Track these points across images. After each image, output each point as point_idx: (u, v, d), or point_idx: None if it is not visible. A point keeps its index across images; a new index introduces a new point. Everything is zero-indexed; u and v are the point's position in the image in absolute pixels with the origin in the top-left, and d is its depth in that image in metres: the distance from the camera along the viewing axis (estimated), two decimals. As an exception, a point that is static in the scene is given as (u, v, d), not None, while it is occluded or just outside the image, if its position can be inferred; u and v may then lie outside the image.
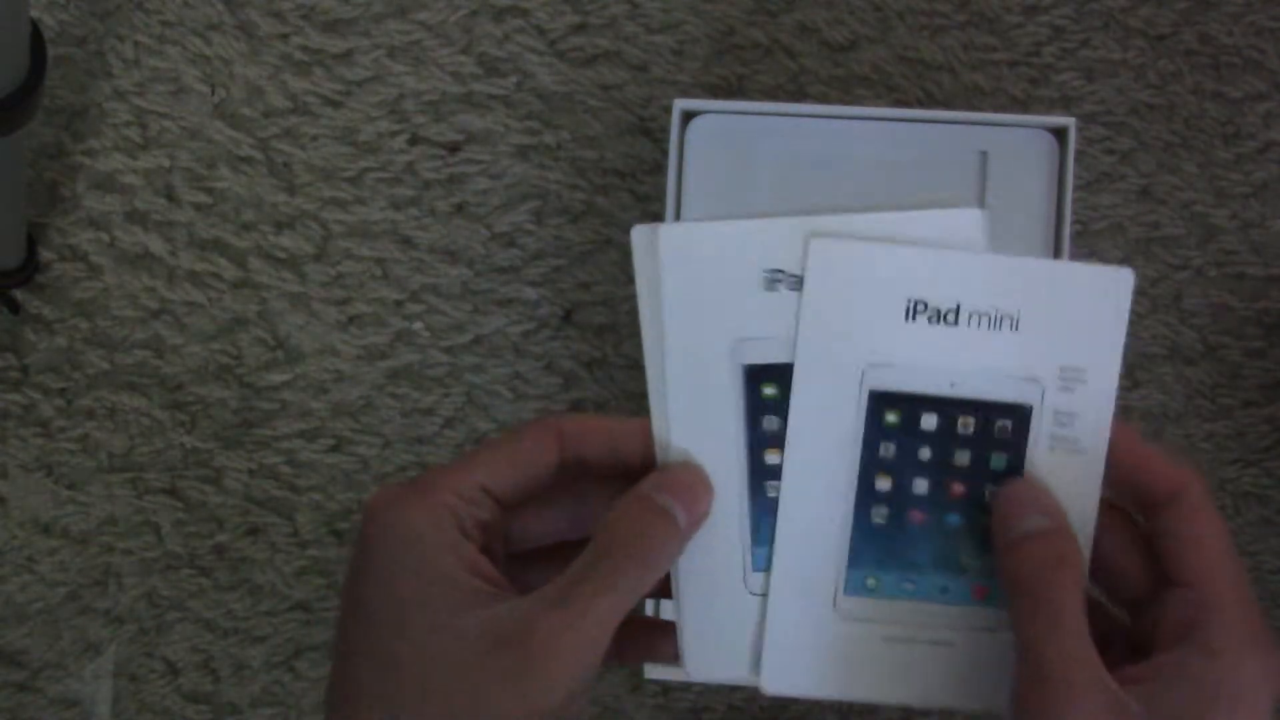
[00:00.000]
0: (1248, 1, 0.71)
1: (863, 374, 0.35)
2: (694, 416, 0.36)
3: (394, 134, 0.71)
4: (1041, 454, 0.35)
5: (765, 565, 0.36)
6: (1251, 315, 0.71)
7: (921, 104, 0.71)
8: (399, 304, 0.71)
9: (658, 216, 0.70)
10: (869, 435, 0.36)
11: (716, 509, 0.36)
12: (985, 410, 0.35)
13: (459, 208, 0.71)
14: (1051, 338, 0.35)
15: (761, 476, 0.36)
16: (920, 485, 0.36)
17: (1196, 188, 0.71)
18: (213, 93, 0.71)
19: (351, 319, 0.71)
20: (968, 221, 0.35)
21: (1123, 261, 0.70)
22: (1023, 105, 0.71)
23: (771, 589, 0.36)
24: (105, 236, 0.71)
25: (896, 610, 0.36)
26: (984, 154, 0.63)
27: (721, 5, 0.71)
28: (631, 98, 0.71)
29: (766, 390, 0.36)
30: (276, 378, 0.71)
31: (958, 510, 0.36)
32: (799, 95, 0.71)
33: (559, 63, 0.71)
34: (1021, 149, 0.63)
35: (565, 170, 0.71)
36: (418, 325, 0.71)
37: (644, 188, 0.71)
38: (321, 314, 0.71)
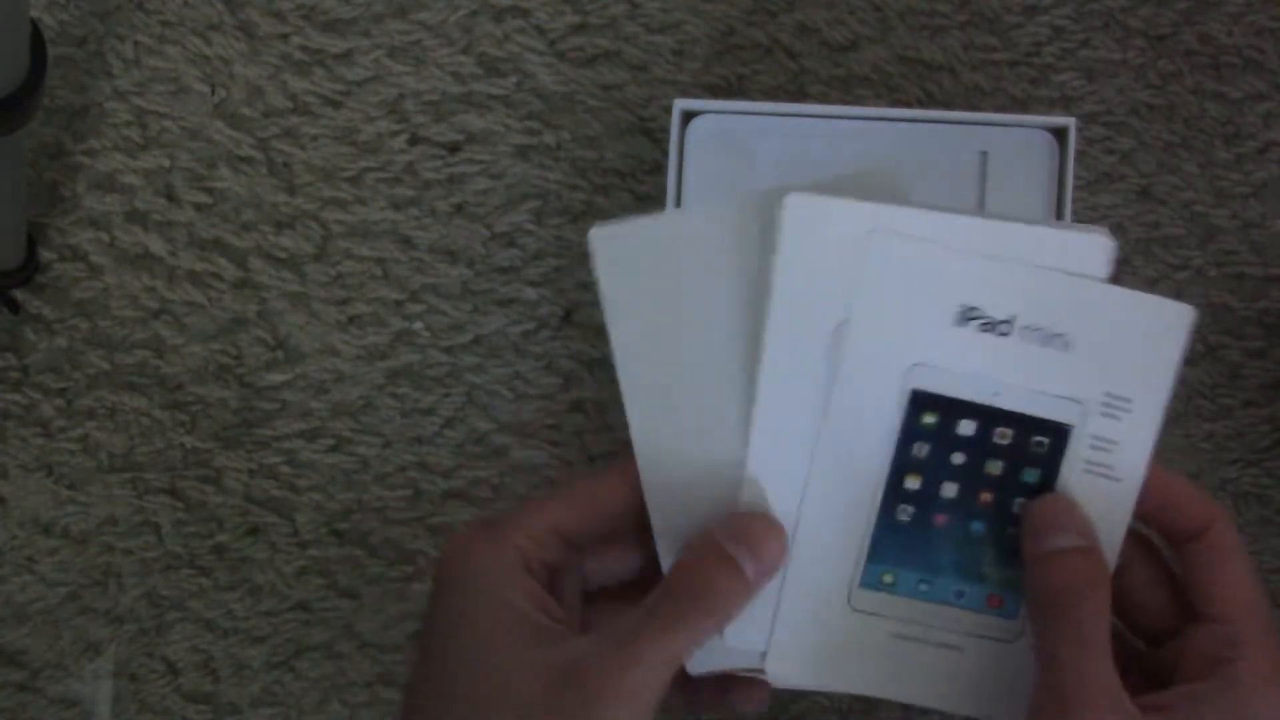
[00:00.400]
0: (1248, 1, 0.71)
1: (907, 372, 0.35)
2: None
3: (394, 134, 0.71)
4: (1075, 476, 0.35)
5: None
6: (1251, 315, 0.71)
7: (921, 104, 0.71)
8: (399, 304, 0.71)
9: (658, 216, 0.70)
10: (905, 434, 0.35)
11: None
12: (1024, 424, 0.35)
13: (459, 208, 0.71)
14: (1102, 362, 0.34)
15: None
16: (949, 489, 0.36)
17: (1196, 188, 0.71)
18: (213, 93, 0.71)
19: (351, 319, 0.71)
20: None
21: (1122, 262, 0.70)
22: (1023, 105, 0.71)
23: (787, 577, 0.36)
24: (105, 236, 0.71)
25: (909, 609, 0.36)
26: (984, 154, 0.63)
27: (721, 5, 0.71)
28: (631, 98, 0.71)
29: (927, 418, 0.35)
30: (276, 378, 0.71)
31: (982, 518, 0.36)
32: (799, 95, 0.71)
33: (559, 63, 0.71)
34: (1021, 149, 0.63)
35: (565, 170, 0.71)
36: (418, 325, 0.71)
37: (644, 188, 0.71)
38: (321, 314, 0.71)
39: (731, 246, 0.35)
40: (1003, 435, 0.35)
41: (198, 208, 0.71)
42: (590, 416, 0.71)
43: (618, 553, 0.38)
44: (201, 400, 0.71)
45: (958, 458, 0.35)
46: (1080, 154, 0.70)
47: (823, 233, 0.34)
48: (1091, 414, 0.35)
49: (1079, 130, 0.66)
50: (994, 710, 0.36)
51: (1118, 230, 0.71)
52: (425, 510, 0.71)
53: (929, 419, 0.35)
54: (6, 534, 0.71)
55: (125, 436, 0.71)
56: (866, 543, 0.36)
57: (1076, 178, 0.66)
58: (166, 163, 0.71)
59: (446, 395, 0.71)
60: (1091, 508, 0.35)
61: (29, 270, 0.70)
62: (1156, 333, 0.35)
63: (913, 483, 0.36)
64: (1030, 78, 0.71)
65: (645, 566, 0.38)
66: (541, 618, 0.34)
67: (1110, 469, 0.35)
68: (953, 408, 0.35)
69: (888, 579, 0.36)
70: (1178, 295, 0.70)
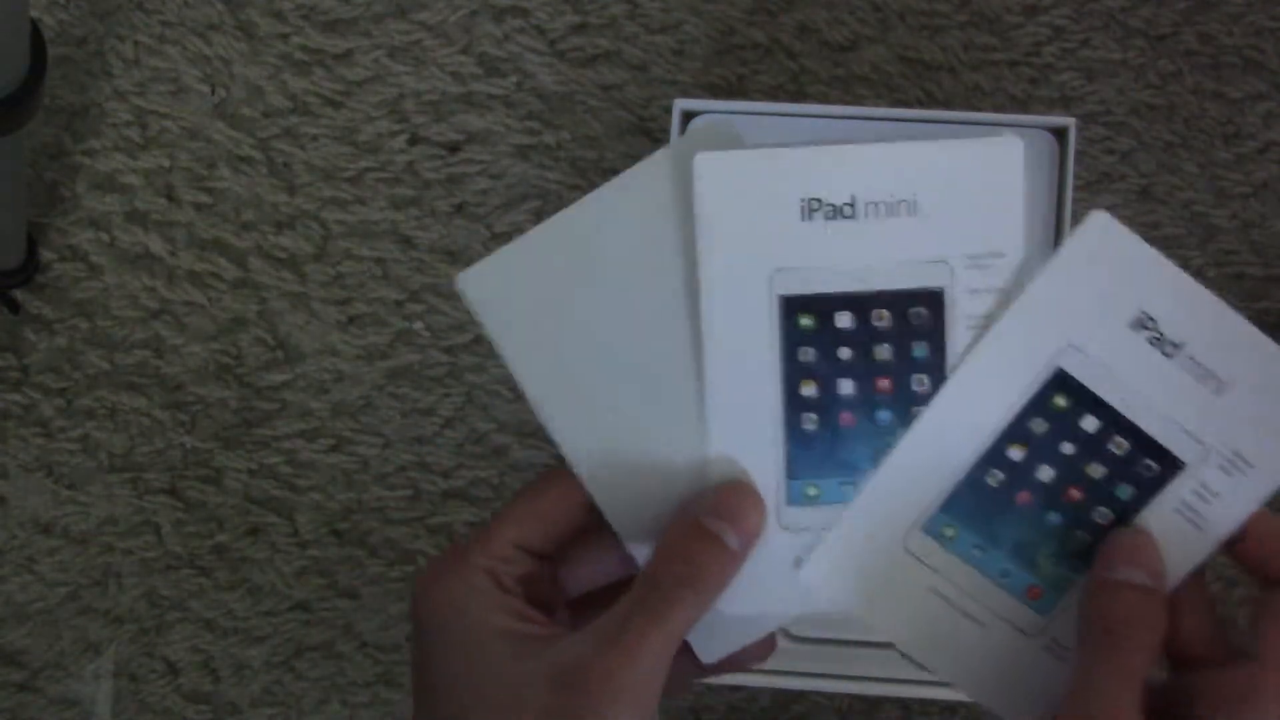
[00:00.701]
0: (1248, 1, 0.71)
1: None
2: (729, 349, 0.35)
3: (394, 134, 0.71)
4: (1166, 509, 0.35)
5: (800, 499, 0.36)
6: (1251, 315, 0.71)
7: (921, 104, 0.71)
8: (399, 304, 0.71)
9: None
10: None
11: (751, 444, 0.35)
12: (1141, 442, 0.35)
13: (459, 208, 0.71)
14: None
15: (797, 408, 0.35)
16: (1046, 472, 0.35)
17: (1196, 188, 0.71)
18: (213, 93, 0.71)
19: (351, 319, 0.71)
20: (1006, 153, 0.34)
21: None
22: (1023, 105, 0.71)
23: (859, 496, 0.35)
24: (105, 236, 0.71)
25: (954, 569, 0.36)
26: (984, 154, 0.63)
27: (721, 5, 0.71)
28: (631, 98, 0.71)
29: (803, 321, 0.35)
30: (276, 378, 0.71)
31: (1062, 511, 0.35)
32: (799, 95, 0.71)
33: (559, 63, 0.71)
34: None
35: (565, 170, 0.71)
36: (418, 325, 0.71)
37: (644, 188, 0.71)
38: (321, 314, 0.71)
39: (609, 240, 0.35)
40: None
41: (198, 208, 0.71)
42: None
43: (595, 555, 0.37)
44: (201, 400, 0.71)
45: (1069, 447, 0.35)
46: (1080, 154, 0.70)
47: (738, 187, 0.34)
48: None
49: (1079, 130, 0.66)
50: (988, 695, 0.36)
51: (1118, 230, 0.71)
52: (425, 510, 0.71)
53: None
54: (6, 534, 0.71)
55: (125, 436, 0.71)
56: (945, 494, 0.36)
57: (1076, 178, 0.66)
58: (166, 163, 0.71)
59: (446, 395, 0.71)
60: (1165, 548, 0.35)
61: (29, 270, 0.70)
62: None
63: (1017, 452, 0.35)
64: (1030, 78, 0.71)
65: (624, 565, 0.38)
66: (528, 627, 0.34)
67: (1198, 516, 0.35)
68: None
69: (949, 532, 0.35)
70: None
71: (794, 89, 0.71)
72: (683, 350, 0.36)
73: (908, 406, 0.35)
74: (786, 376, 0.35)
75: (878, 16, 0.71)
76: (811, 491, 0.36)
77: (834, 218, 0.34)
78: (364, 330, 0.71)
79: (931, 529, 0.36)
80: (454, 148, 0.71)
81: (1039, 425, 0.35)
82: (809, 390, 0.35)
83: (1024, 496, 0.35)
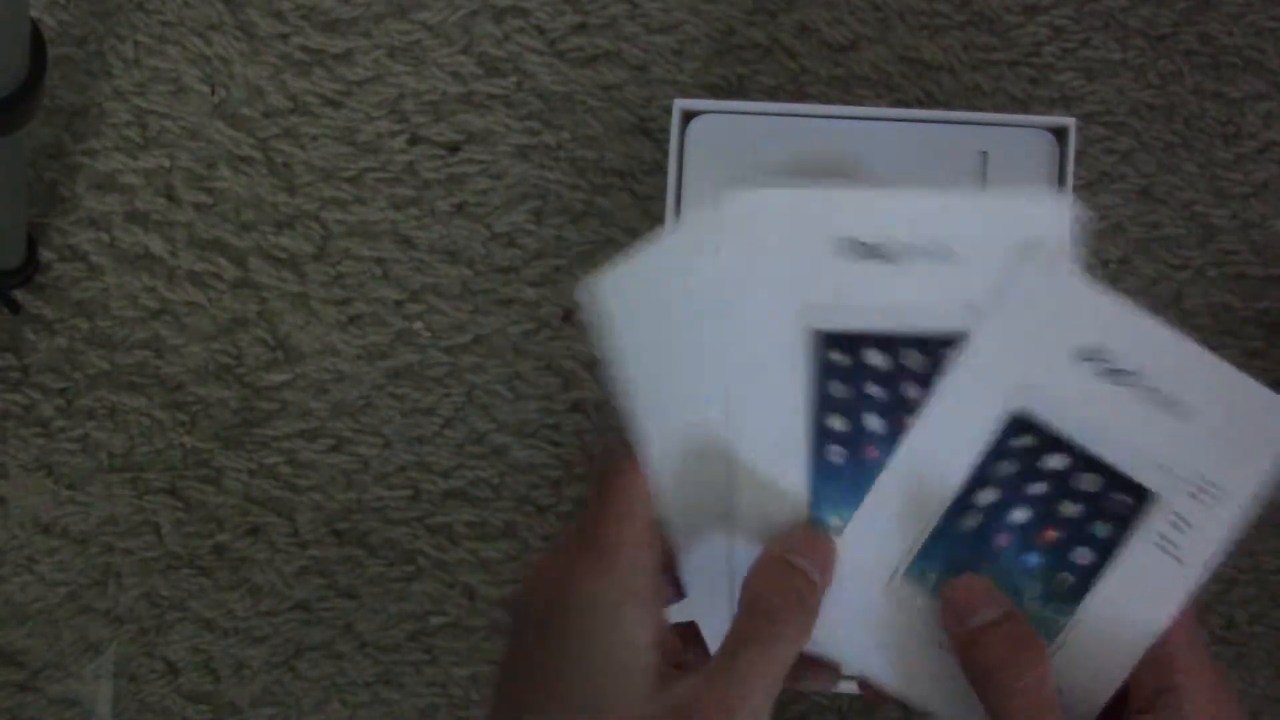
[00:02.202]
0: (1248, 1, 0.71)
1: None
2: (758, 379, 0.35)
3: (394, 134, 0.71)
4: (1144, 544, 0.35)
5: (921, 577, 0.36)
6: (1251, 315, 0.71)
7: (921, 104, 0.71)
8: (399, 304, 0.71)
9: (658, 217, 0.70)
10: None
11: (777, 472, 0.36)
12: (1112, 478, 0.35)
13: (459, 208, 0.71)
14: (1212, 445, 0.34)
15: (824, 440, 0.36)
16: (1020, 515, 0.35)
17: (1196, 188, 0.71)
18: (213, 93, 0.71)
19: (351, 319, 0.71)
20: (1052, 212, 0.34)
21: (1122, 261, 0.70)
22: (1023, 105, 0.71)
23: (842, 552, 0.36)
24: (105, 236, 0.71)
25: (932, 605, 0.36)
26: (984, 154, 0.63)
27: (721, 5, 0.71)
28: (631, 98, 0.71)
29: (834, 356, 0.35)
30: (276, 378, 0.71)
31: (1040, 553, 0.35)
32: (799, 95, 0.71)
33: (559, 63, 0.71)
34: (1021, 149, 0.63)
35: (565, 170, 0.71)
36: (418, 325, 0.71)
37: (644, 188, 0.71)
38: (321, 314, 0.71)
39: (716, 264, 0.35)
40: (1088, 482, 0.35)
41: (198, 208, 0.71)
42: (590, 416, 0.71)
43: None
44: (201, 400, 0.71)
45: (1038, 487, 0.35)
46: (1080, 154, 0.70)
47: (774, 222, 0.34)
48: (1181, 490, 0.34)
49: (1079, 130, 0.66)
50: (964, 715, 0.36)
51: (1118, 230, 0.71)
52: (425, 510, 0.71)
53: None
54: (6, 534, 0.71)
55: (125, 436, 0.71)
56: (923, 540, 0.36)
57: (1076, 178, 0.66)
58: (166, 163, 0.71)
59: (446, 395, 0.71)
60: (1147, 581, 0.35)
61: (29, 270, 0.70)
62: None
63: (989, 495, 0.36)
64: (1030, 78, 0.71)
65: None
66: (654, 655, 0.33)
67: (1177, 548, 0.35)
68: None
69: (931, 577, 0.36)
70: (1177, 295, 0.70)
71: (794, 89, 0.71)
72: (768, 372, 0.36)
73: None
74: (814, 409, 0.35)
75: (878, 16, 0.71)
76: (835, 522, 0.36)
77: (869, 258, 0.34)
78: (364, 330, 0.71)
79: (913, 574, 0.36)
80: (454, 148, 0.71)
81: (1006, 467, 0.35)
82: (837, 424, 0.36)
83: (1002, 540, 0.35)
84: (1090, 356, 0.34)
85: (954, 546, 0.36)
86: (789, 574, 0.35)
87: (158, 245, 0.71)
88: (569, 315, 0.71)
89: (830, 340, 0.35)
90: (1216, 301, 0.71)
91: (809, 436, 0.36)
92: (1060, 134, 0.63)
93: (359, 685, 0.71)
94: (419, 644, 0.71)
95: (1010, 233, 0.34)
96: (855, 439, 0.36)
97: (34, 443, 0.71)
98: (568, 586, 0.33)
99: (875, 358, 0.35)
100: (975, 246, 0.34)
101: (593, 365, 0.71)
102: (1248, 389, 0.34)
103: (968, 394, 0.35)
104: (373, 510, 0.71)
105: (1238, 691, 0.71)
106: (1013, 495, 0.35)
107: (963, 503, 0.35)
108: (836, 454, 0.36)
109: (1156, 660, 0.34)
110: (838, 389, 0.35)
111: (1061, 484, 0.35)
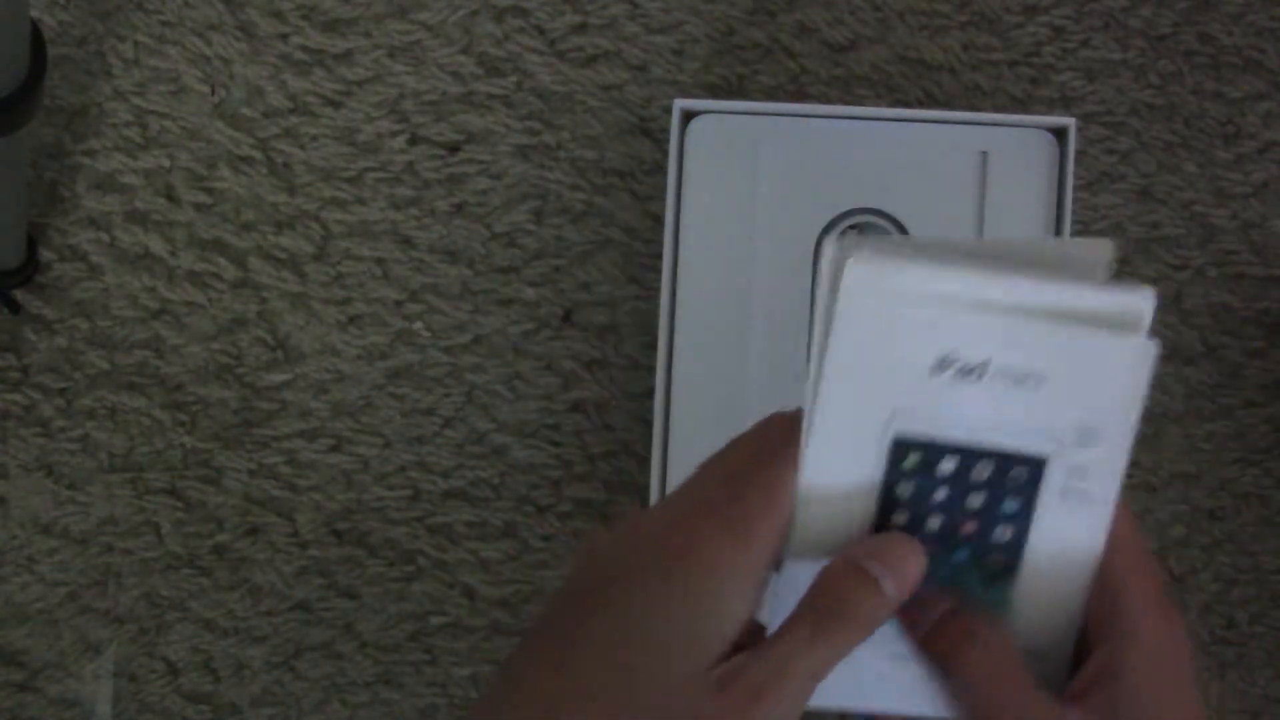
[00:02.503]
0: (1248, 1, 0.71)
1: (890, 417, 0.36)
2: (832, 460, 0.36)
3: (394, 134, 0.71)
4: (1053, 500, 0.36)
5: None
6: (1251, 315, 0.71)
7: (921, 104, 0.71)
8: (399, 304, 0.71)
9: (658, 217, 0.70)
10: (889, 475, 0.36)
11: (836, 553, 0.37)
12: (1002, 460, 0.36)
13: (459, 208, 0.71)
14: (1072, 398, 0.36)
15: (884, 531, 0.37)
16: (933, 523, 0.37)
17: (1196, 188, 0.71)
18: (213, 93, 0.71)
19: (351, 319, 0.71)
20: (1140, 353, 0.35)
21: (1122, 262, 0.70)
22: (1023, 105, 0.71)
23: (782, 582, 0.37)
24: (105, 236, 0.71)
25: (887, 627, 0.37)
26: (984, 154, 0.63)
27: (721, 5, 0.71)
28: (631, 98, 0.71)
29: (910, 460, 0.36)
30: (276, 378, 0.71)
31: (965, 546, 0.37)
32: (799, 95, 0.71)
33: (559, 63, 0.71)
34: (1021, 149, 0.63)
35: (565, 170, 0.71)
36: (418, 325, 0.71)
37: (644, 188, 0.71)
38: (321, 314, 0.71)
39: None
40: (981, 471, 0.36)
41: (198, 208, 0.71)
42: (590, 416, 0.71)
43: None
44: (201, 400, 0.71)
45: (940, 494, 0.37)
46: (1080, 154, 0.70)
47: (884, 318, 0.35)
48: (1066, 444, 0.36)
49: (1079, 130, 0.66)
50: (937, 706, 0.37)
51: (1118, 230, 0.71)
52: (425, 510, 0.71)
53: (911, 461, 0.36)
54: (6, 534, 0.71)
55: (125, 436, 0.71)
56: None
57: (1076, 178, 0.66)
58: (166, 163, 0.71)
59: (446, 395, 0.71)
60: (1068, 530, 0.37)
61: (29, 270, 0.70)
62: (1123, 366, 0.36)
63: (900, 517, 0.37)
64: (1030, 78, 0.71)
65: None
66: (738, 632, 0.34)
67: (1085, 494, 0.37)
68: (932, 449, 0.36)
69: None
70: (1177, 295, 0.70)
71: (794, 89, 0.71)
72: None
73: (986, 552, 0.37)
74: (881, 502, 0.37)
75: (878, 16, 0.71)
76: None
77: (965, 375, 0.36)
78: (364, 330, 0.71)
79: None
80: (454, 148, 0.71)
81: (905, 489, 0.36)
82: (899, 518, 0.37)
83: (927, 548, 0.36)
84: (941, 365, 0.36)
85: None
86: (856, 578, 0.35)
87: (158, 245, 0.71)
88: (569, 315, 0.71)
89: (910, 445, 0.36)
90: (1216, 301, 0.71)
91: (871, 527, 0.37)
92: (1060, 134, 0.63)
93: (359, 685, 0.71)
94: (419, 644, 0.71)
95: (1100, 367, 0.36)
96: (913, 535, 0.37)
97: (34, 443, 0.71)
98: (697, 554, 0.34)
99: (948, 466, 0.36)
100: (1065, 377, 0.36)
101: (592, 365, 0.71)
102: (1089, 338, 0.36)
103: (844, 437, 0.36)
104: (373, 510, 0.71)
105: (1238, 692, 0.71)
106: (920, 509, 0.36)
107: (881, 529, 0.37)
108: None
109: (1102, 592, 0.36)
110: (906, 489, 0.36)
111: (960, 482, 0.36)
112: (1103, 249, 0.36)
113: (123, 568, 0.71)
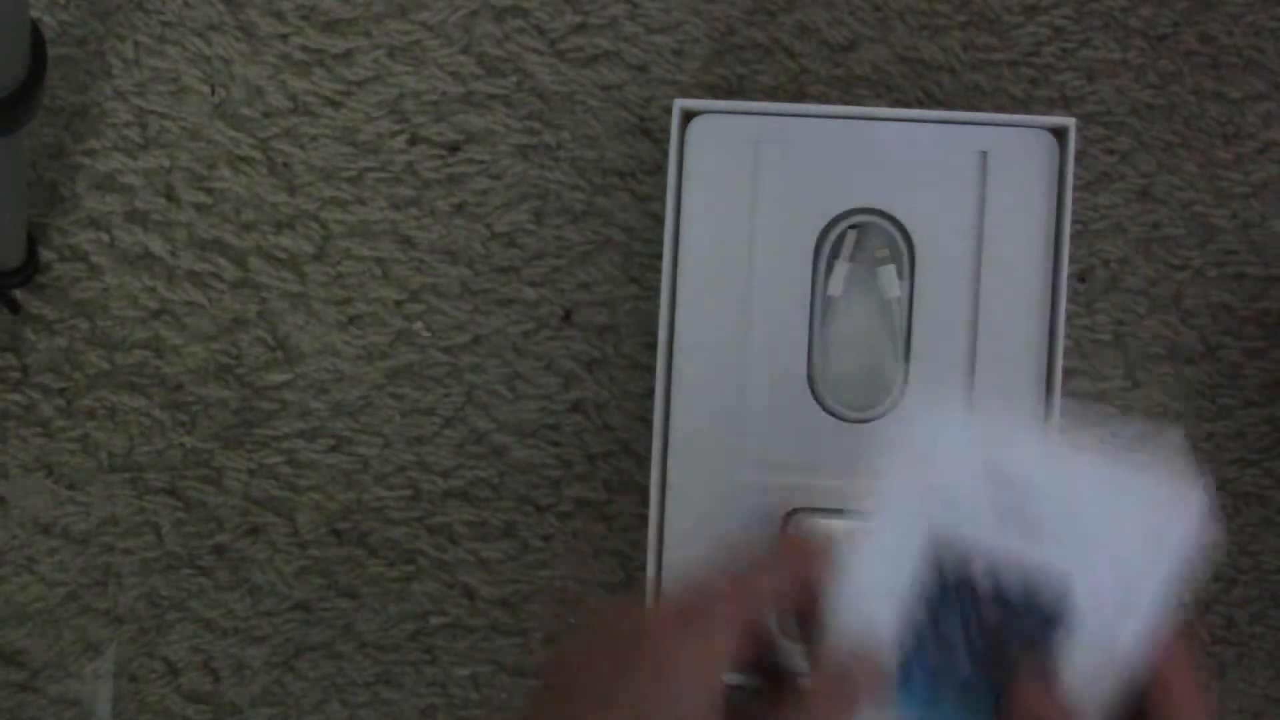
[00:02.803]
0: (1248, 1, 0.71)
1: (932, 522, 0.37)
2: (875, 558, 0.37)
3: (394, 134, 0.71)
4: (1078, 639, 0.36)
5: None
6: (1251, 315, 0.71)
7: (921, 104, 0.71)
8: (399, 304, 0.71)
9: (658, 217, 0.70)
10: (922, 578, 0.37)
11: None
12: (1034, 585, 0.37)
13: (459, 208, 0.71)
14: (1115, 542, 0.36)
15: (916, 647, 0.37)
16: (964, 665, 0.37)
17: (1196, 188, 0.71)
18: (213, 93, 0.71)
19: (351, 319, 0.71)
20: (1186, 508, 0.36)
21: (1122, 262, 0.70)
22: (1023, 105, 0.71)
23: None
24: (105, 236, 0.71)
25: None
26: (984, 154, 0.63)
27: (721, 5, 0.71)
28: (631, 98, 0.71)
29: (943, 561, 0.37)
30: (276, 378, 0.71)
31: (973, 662, 0.37)
32: (799, 95, 0.71)
33: (559, 63, 0.71)
34: (1021, 149, 0.63)
35: (565, 170, 0.71)
36: (418, 325, 0.71)
37: (644, 188, 0.71)
38: (321, 314, 0.71)
39: None
40: (1007, 597, 0.37)
41: (198, 208, 0.71)
42: (590, 416, 0.71)
43: None
44: (201, 400, 0.71)
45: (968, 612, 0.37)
46: (1080, 154, 0.70)
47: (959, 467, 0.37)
48: (1102, 588, 0.36)
49: (1079, 130, 0.66)
50: None
51: (1118, 230, 0.71)
52: (425, 510, 0.71)
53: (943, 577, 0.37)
54: (6, 534, 0.71)
55: (125, 436, 0.71)
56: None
57: (1076, 178, 0.66)
58: (166, 163, 0.71)
59: (446, 395, 0.71)
60: (1084, 669, 0.36)
61: (29, 270, 0.70)
62: (1171, 516, 0.36)
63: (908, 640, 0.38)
64: (1030, 78, 0.71)
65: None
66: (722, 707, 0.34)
67: (1112, 638, 0.36)
68: (962, 588, 0.37)
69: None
70: (1177, 295, 0.70)
71: (794, 89, 0.71)
72: None
73: (996, 672, 0.37)
74: (908, 601, 0.37)
75: (878, 16, 0.71)
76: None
77: (1011, 509, 0.36)
78: (364, 330, 0.71)
79: None
80: (454, 148, 0.71)
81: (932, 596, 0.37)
82: (919, 615, 0.37)
83: (950, 696, 0.37)
84: (989, 503, 0.37)
85: (913, 691, 0.37)
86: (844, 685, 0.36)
87: (158, 245, 0.71)
88: (569, 315, 0.71)
89: (945, 545, 0.37)
90: (1216, 301, 0.71)
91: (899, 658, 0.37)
92: (1060, 134, 0.63)
93: (359, 685, 0.71)
94: (419, 644, 0.71)
95: (1147, 515, 0.36)
96: (925, 636, 0.37)
97: (34, 443, 0.71)
98: (663, 646, 0.34)
99: (981, 576, 0.37)
100: (1106, 521, 0.36)
101: (592, 365, 0.71)
102: (1137, 487, 0.36)
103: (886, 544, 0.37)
104: (373, 510, 0.71)
105: (1238, 692, 0.71)
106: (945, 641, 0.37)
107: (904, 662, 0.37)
108: (904, 644, 0.37)
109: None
110: (931, 590, 0.37)
111: (987, 604, 0.37)
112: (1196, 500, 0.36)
113: (123, 568, 0.71)
